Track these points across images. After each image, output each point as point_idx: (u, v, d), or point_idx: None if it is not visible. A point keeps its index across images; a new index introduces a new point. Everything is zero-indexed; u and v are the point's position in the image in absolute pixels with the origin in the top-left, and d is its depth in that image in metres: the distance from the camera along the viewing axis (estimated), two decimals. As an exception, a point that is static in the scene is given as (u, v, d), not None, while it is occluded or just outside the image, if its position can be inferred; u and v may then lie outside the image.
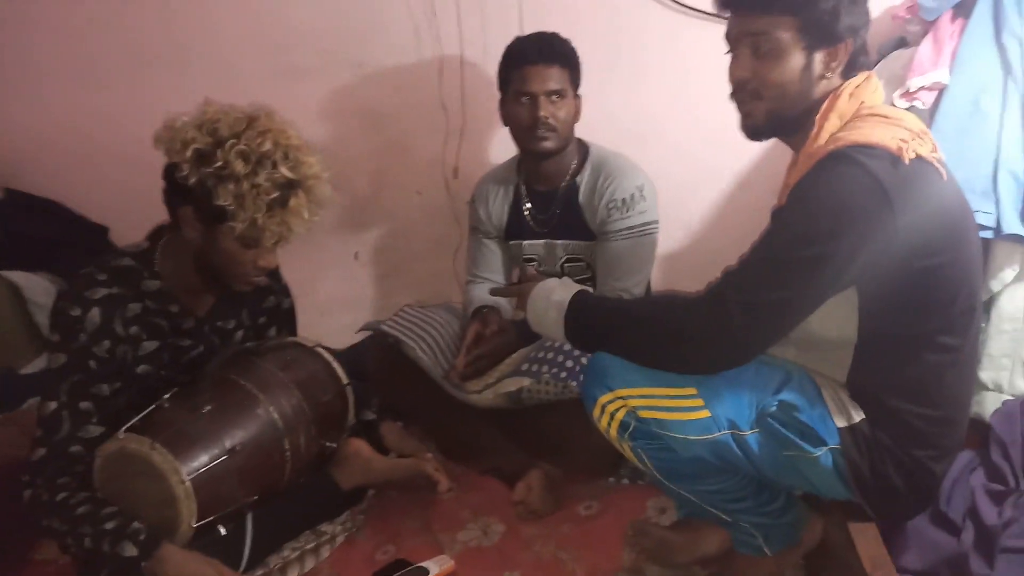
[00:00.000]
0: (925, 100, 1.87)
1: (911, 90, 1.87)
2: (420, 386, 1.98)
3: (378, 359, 2.07)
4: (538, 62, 1.99)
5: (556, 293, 1.44)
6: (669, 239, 2.41)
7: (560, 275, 2.17)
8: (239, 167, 1.41)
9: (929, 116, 1.85)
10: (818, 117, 1.33)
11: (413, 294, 2.60)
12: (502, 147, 2.26)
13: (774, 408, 1.33)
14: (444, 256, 2.58)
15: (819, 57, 1.34)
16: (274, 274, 1.76)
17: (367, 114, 2.48)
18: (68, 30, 2.33)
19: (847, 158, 1.24)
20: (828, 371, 1.39)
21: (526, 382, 1.87)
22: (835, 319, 1.31)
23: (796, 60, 1.33)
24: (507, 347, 1.98)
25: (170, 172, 1.48)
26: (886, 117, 1.31)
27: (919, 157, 1.24)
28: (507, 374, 1.92)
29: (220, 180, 1.41)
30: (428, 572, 1.61)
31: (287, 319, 1.86)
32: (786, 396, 1.34)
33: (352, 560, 1.71)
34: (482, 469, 1.93)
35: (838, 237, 1.21)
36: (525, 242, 2.19)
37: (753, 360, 1.31)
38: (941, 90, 1.86)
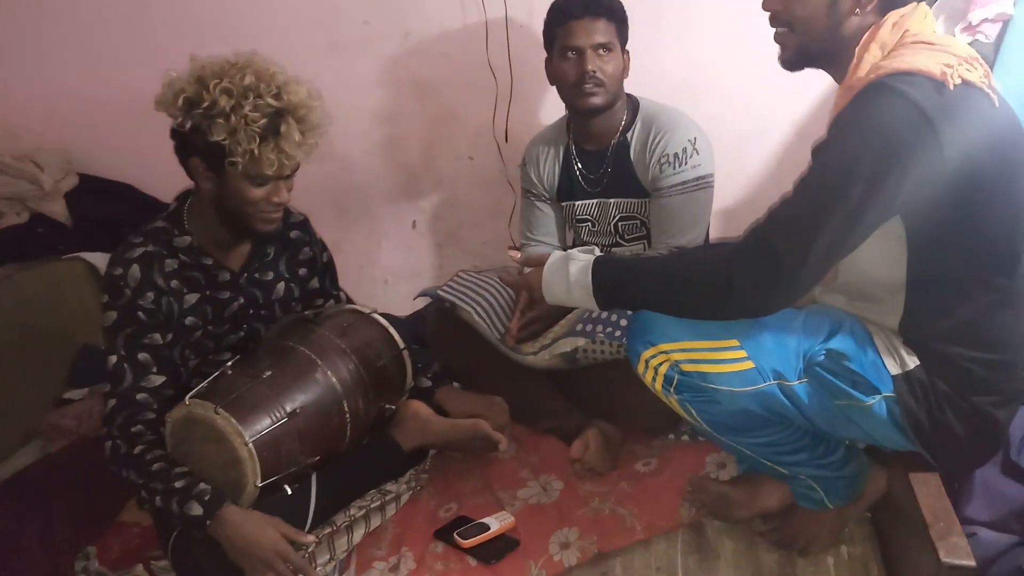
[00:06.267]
0: (988, 33, 1.79)
1: (974, 23, 1.78)
2: (477, 349, 2.00)
3: (436, 324, 2.10)
4: (584, 16, 1.96)
5: (572, 269, 1.39)
6: (727, 193, 2.36)
7: (614, 235, 2.17)
8: (224, 102, 1.49)
9: (994, 50, 1.76)
10: (858, 48, 1.28)
11: (471, 260, 2.63)
12: (552, 108, 2.24)
13: (822, 357, 1.30)
14: (499, 221, 2.59)
15: None
16: (304, 226, 1.84)
17: (416, 83, 2.49)
18: (120, 10, 2.41)
19: (887, 87, 1.19)
20: (880, 318, 1.35)
21: (581, 342, 1.87)
22: (885, 259, 1.27)
23: None
24: (560, 309, 1.96)
25: (173, 129, 1.58)
26: (931, 44, 1.25)
27: (966, 83, 1.19)
28: (562, 335, 1.92)
29: (210, 119, 1.50)
30: (489, 528, 1.64)
31: (328, 271, 1.92)
32: (835, 344, 1.31)
33: (415, 518, 1.75)
34: (541, 428, 1.94)
35: (881, 171, 1.17)
36: (578, 203, 2.18)
37: (801, 309, 1.29)
38: (1006, 21, 1.77)
